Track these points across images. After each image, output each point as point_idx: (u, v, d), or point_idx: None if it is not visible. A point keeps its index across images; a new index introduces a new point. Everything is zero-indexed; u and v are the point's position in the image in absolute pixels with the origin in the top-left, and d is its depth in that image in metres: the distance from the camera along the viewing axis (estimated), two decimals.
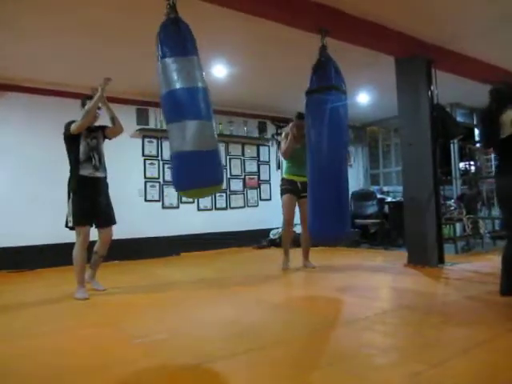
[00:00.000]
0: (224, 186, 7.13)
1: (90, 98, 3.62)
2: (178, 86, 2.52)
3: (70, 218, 3.53)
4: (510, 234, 2.88)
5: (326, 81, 3.49)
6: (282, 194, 4.78)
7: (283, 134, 4.87)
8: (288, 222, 4.72)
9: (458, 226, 6.21)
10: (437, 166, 4.65)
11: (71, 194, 3.57)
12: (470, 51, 4.97)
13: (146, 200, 6.43)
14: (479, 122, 3.10)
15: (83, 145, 3.61)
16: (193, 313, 3.03)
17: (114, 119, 3.76)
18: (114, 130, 3.79)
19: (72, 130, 3.53)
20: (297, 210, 4.77)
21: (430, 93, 4.66)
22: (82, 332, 2.62)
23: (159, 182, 6.56)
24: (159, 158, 6.58)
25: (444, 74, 4.90)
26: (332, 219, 3.38)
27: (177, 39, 2.60)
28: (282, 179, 4.85)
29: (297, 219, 4.83)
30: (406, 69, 4.67)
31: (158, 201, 6.53)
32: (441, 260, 4.59)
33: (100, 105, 3.66)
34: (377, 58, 4.69)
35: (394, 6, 3.79)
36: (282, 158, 4.97)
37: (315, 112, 3.50)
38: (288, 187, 4.70)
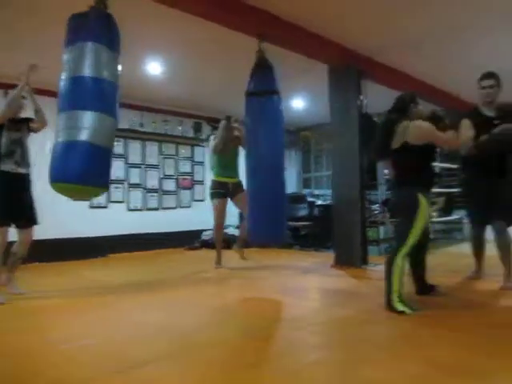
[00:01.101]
0: (156, 185, 7.05)
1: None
2: (87, 73, 2.41)
3: None
4: (399, 245, 2.90)
5: (264, 84, 3.56)
6: (212, 198, 4.81)
7: (212, 137, 4.98)
8: (219, 225, 4.83)
9: (382, 229, 6.55)
10: (364, 172, 4.88)
11: None
12: (397, 64, 5.28)
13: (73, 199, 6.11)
14: (377, 131, 3.19)
15: (5, 137, 3.36)
16: (121, 316, 2.94)
17: (37, 112, 3.54)
18: (37, 123, 3.57)
19: None
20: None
21: (359, 102, 4.88)
22: (3, 338, 2.45)
23: None
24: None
25: (374, 85, 5.16)
26: (270, 221, 3.45)
27: (104, 29, 2.51)
28: (213, 181, 4.87)
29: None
30: (339, 77, 4.87)
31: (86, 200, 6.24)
32: (365, 261, 4.82)
33: (25, 94, 3.43)
34: (313, 64, 4.83)
35: (328, 15, 3.92)
36: (212, 162, 5.04)
37: (254, 114, 3.56)
38: (219, 191, 4.75)
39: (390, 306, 2.79)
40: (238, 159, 4.91)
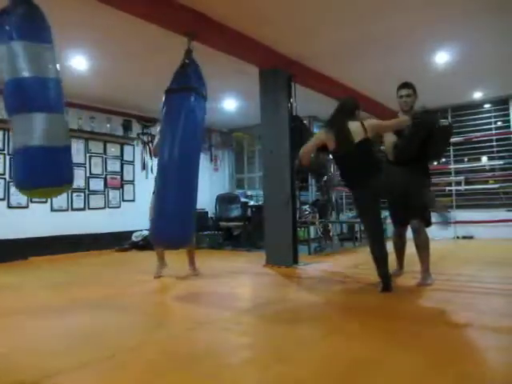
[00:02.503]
0: (82, 185, 6.74)
1: None
2: (26, 74, 2.28)
3: None
4: (374, 234, 3.35)
5: (185, 82, 3.48)
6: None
7: (157, 133, 4.75)
8: None
9: (312, 229, 6.76)
10: (294, 173, 5.00)
11: None
12: (326, 70, 5.47)
13: None
14: (331, 131, 3.40)
15: None
16: (35, 323, 2.75)
17: None
18: None
19: None
20: None
21: (289, 105, 4.99)
22: None
23: (5, 179, 5.85)
24: (5, 151, 5.88)
25: (304, 89, 5.31)
26: (176, 222, 3.32)
27: (30, 23, 2.37)
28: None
29: None
30: (269, 80, 4.94)
31: (3, 199, 5.82)
32: (295, 260, 4.94)
33: None
34: (244, 66, 4.87)
35: (260, 19, 3.98)
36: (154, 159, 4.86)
37: (171, 111, 3.45)
38: None
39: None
40: None
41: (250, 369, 1.94)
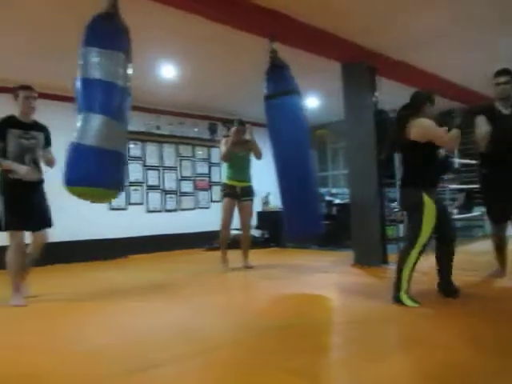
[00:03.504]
0: (174, 187, 7.13)
1: (23, 87, 3.40)
2: (93, 76, 2.44)
3: (1, 221, 3.33)
4: (410, 243, 2.92)
5: (283, 85, 3.59)
6: (222, 198, 4.86)
7: (223, 140, 4.93)
8: (224, 225, 4.80)
9: (401, 227, 6.47)
10: (381, 169, 4.83)
11: (1, 197, 3.34)
12: (411, 60, 5.21)
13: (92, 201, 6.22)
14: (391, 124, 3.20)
15: (14, 145, 3.34)
16: (138, 317, 2.97)
17: (49, 160, 3.53)
18: (48, 163, 3.56)
19: None
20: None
21: (374, 99, 4.83)
22: (19, 339, 2.51)
23: None
24: None
25: (389, 81, 5.11)
26: (305, 217, 3.63)
27: (106, 32, 2.55)
28: (223, 184, 4.96)
29: None
30: (352, 75, 4.83)
31: None
32: (384, 260, 4.77)
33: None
34: (325, 62, 4.81)
35: (339, 14, 3.90)
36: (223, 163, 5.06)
37: (276, 116, 3.60)
38: (228, 192, 4.78)
39: (396, 299, 2.88)
40: (248, 163, 4.91)
41: (343, 367, 1.91)
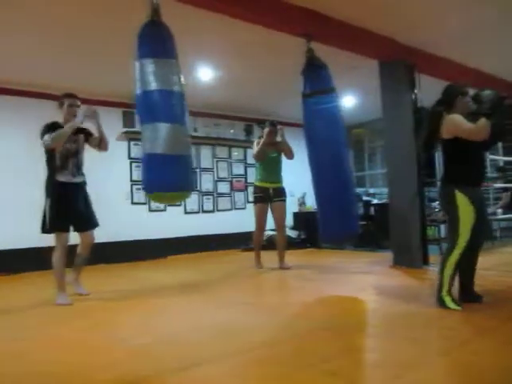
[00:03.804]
0: (211, 188, 7.21)
1: (68, 96, 3.56)
2: (153, 87, 2.51)
3: (48, 223, 3.47)
4: (450, 244, 2.82)
5: (319, 84, 3.58)
6: (254, 203, 4.84)
7: (256, 141, 4.95)
8: (258, 229, 4.90)
9: (442, 227, 6.29)
10: (421, 168, 4.71)
11: (48, 199, 3.49)
12: (450, 55, 5.06)
13: (132, 203, 6.40)
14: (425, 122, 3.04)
15: (60, 150, 3.50)
16: (180, 316, 3.03)
17: (101, 140, 3.66)
18: (99, 148, 3.70)
19: (45, 145, 3.45)
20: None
21: (413, 96, 4.72)
22: (67, 336, 2.61)
23: None
24: None
25: (429, 78, 4.97)
26: (342, 218, 3.60)
27: (157, 41, 2.61)
28: (255, 187, 4.93)
29: None
30: (390, 72, 4.74)
31: (145, 203, 6.50)
32: (425, 261, 4.65)
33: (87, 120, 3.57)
34: (362, 60, 4.74)
35: (376, 11, 3.84)
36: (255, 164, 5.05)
37: (312, 115, 3.60)
38: (259, 195, 4.80)
39: (439, 300, 2.81)
40: (279, 164, 4.92)
41: (382, 373, 1.88)
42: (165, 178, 2.51)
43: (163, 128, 2.49)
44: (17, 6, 3.58)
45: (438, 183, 5.97)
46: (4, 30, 4.02)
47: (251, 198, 7.58)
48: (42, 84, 5.43)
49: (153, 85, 2.52)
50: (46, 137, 3.43)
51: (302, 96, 3.69)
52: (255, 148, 4.84)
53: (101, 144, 3.69)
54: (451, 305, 2.76)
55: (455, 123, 2.75)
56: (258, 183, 4.88)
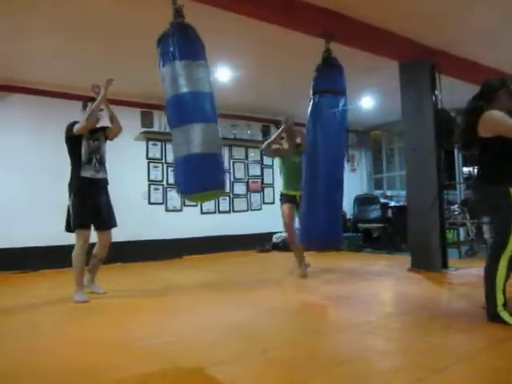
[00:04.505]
0: (227, 189, 7.21)
1: (92, 99, 3.63)
2: (186, 89, 2.52)
3: (72, 220, 3.53)
4: (499, 248, 2.56)
5: (331, 84, 3.51)
6: (282, 203, 4.75)
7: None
8: (289, 229, 4.64)
9: (462, 230, 6.19)
10: (441, 171, 4.64)
11: (72, 196, 3.56)
12: (472, 56, 4.97)
13: (149, 203, 6.44)
14: (462, 118, 2.79)
15: (85, 146, 3.61)
16: (197, 316, 3.03)
17: (112, 118, 3.73)
18: (114, 129, 3.76)
19: (75, 129, 3.53)
20: None
21: (434, 97, 4.65)
22: (83, 334, 2.63)
23: (163, 185, 6.57)
24: (163, 160, 6.60)
25: (449, 79, 4.90)
26: (327, 224, 3.38)
27: (188, 43, 2.61)
28: (281, 194, 4.78)
29: None
30: (410, 73, 4.68)
31: (162, 204, 6.54)
32: (444, 265, 4.58)
33: (101, 106, 3.65)
34: (381, 62, 4.70)
35: (397, 11, 3.80)
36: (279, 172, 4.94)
37: (317, 114, 3.51)
38: (287, 199, 4.64)
39: (493, 315, 2.52)
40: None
41: (401, 377, 1.85)
42: (205, 177, 2.53)
43: (198, 128, 2.51)
44: (43, 9, 3.67)
45: (467, 184, 5.83)
46: (32, 33, 4.11)
47: (267, 199, 7.64)
48: (60, 84, 5.51)
49: (184, 88, 2.53)
50: (77, 125, 3.53)
51: (312, 92, 3.58)
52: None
53: (112, 121, 3.73)
54: (510, 319, 2.47)
55: (497, 120, 2.54)
56: (284, 191, 4.73)
